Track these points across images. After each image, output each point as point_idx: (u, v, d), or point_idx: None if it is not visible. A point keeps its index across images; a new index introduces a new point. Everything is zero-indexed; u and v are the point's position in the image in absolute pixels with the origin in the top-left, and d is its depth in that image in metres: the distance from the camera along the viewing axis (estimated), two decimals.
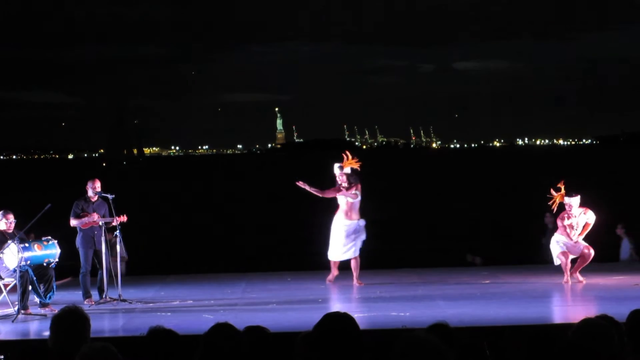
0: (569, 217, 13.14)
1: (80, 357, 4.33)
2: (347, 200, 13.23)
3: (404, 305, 11.37)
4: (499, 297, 11.98)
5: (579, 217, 13.13)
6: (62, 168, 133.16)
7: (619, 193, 42.23)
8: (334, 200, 13.45)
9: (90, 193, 12.43)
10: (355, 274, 13.40)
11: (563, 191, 13.28)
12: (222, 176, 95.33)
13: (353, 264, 13.39)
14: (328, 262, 13.70)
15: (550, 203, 13.36)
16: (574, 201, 13.15)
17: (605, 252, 15.73)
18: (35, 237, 12.37)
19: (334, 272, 13.56)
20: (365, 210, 13.48)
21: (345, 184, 13.20)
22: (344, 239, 13.27)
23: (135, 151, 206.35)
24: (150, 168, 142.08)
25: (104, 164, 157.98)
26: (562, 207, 13.32)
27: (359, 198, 13.27)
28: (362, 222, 13.37)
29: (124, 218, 12.40)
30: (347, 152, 13.65)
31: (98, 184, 12.47)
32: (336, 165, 13.47)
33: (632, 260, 15.96)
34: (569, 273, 13.08)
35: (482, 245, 21.35)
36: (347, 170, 13.38)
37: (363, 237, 13.37)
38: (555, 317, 10.96)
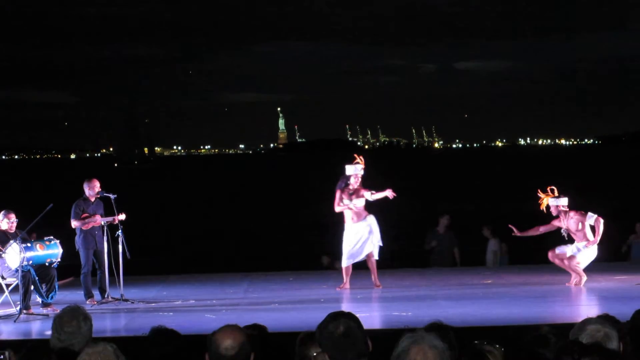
0: (558, 222, 12.84)
1: (83, 357, 4.33)
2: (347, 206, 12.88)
3: (405, 305, 11.37)
4: (501, 297, 11.97)
5: (568, 221, 12.82)
6: (73, 168, 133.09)
7: (628, 192, 42.19)
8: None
9: (88, 193, 12.43)
10: (373, 275, 13.04)
11: (550, 193, 12.98)
12: (234, 176, 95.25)
13: (370, 264, 13.01)
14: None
15: (539, 202, 12.99)
16: (561, 202, 12.90)
17: (612, 252, 15.72)
18: (38, 237, 12.37)
19: (346, 280, 13.02)
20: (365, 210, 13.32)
21: (356, 186, 12.91)
22: (357, 242, 12.86)
23: (146, 151, 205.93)
24: (162, 168, 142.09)
25: (116, 164, 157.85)
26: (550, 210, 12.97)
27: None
28: (372, 217, 12.94)
29: (122, 216, 12.37)
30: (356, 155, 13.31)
31: (97, 184, 12.47)
32: (359, 167, 12.94)
33: None
34: (572, 272, 12.95)
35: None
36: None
37: (377, 234, 12.90)
38: (557, 317, 10.93)
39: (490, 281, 13.54)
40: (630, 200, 34.18)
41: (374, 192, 12.84)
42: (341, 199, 12.90)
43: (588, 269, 13.15)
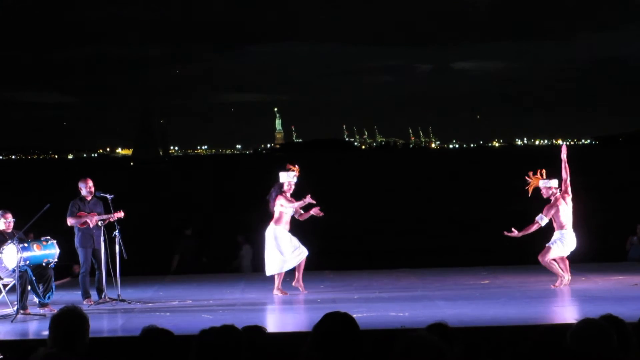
0: (552, 207, 12.67)
1: None
2: (285, 210, 12.81)
3: (402, 305, 11.36)
4: (498, 297, 11.96)
5: (561, 205, 12.67)
6: (82, 168, 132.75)
7: (626, 193, 42.19)
8: (269, 210, 12.89)
9: (84, 192, 12.43)
10: (299, 275, 12.79)
11: (539, 176, 12.89)
12: (236, 176, 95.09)
13: (300, 267, 12.79)
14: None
15: (526, 188, 12.96)
16: (552, 184, 12.78)
17: (607, 251, 15.70)
18: (35, 237, 12.36)
19: (279, 284, 12.81)
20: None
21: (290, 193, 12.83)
22: (293, 245, 12.75)
23: (160, 151, 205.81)
24: (176, 167, 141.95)
25: (132, 163, 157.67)
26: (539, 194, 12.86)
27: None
28: None
29: (120, 214, 12.36)
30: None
31: (91, 183, 12.48)
32: (291, 174, 12.93)
33: None
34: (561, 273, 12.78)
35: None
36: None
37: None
38: (554, 318, 10.94)
39: (487, 281, 13.54)
40: (627, 200, 34.20)
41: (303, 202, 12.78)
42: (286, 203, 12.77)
43: (586, 269, 13.14)
